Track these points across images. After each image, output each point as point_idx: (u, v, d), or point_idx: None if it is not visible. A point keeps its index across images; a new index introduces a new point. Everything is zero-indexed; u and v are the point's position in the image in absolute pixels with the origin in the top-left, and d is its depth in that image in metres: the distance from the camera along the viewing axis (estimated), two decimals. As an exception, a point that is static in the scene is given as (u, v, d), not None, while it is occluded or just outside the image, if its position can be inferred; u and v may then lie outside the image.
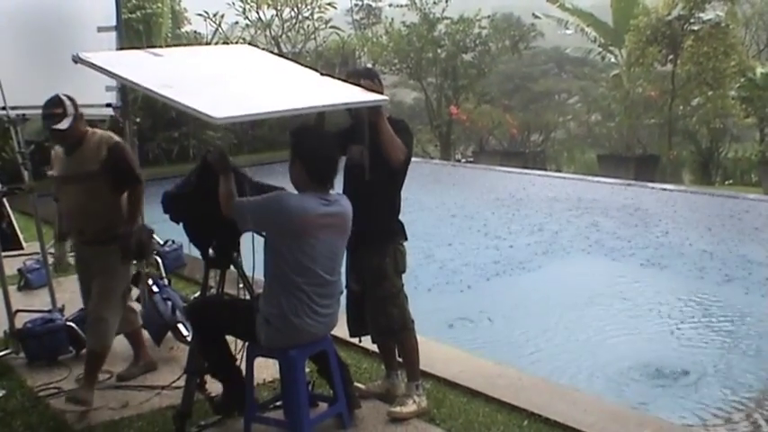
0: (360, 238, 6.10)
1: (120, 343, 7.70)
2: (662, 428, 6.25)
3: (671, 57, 24.86)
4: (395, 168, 6.15)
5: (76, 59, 5.64)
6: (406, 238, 6.47)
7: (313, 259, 5.53)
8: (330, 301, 5.77)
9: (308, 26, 28.63)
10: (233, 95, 5.50)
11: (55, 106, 6.67)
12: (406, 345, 6.49)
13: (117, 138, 7.15)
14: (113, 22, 8.29)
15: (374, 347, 6.91)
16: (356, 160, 6.26)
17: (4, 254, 8.09)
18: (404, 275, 6.47)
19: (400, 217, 6.48)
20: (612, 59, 28.87)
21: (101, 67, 5.60)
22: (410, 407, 6.32)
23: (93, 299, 6.89)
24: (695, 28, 23.79)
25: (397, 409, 6.31)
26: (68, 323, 7.86)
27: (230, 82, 5.88)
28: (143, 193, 7.08)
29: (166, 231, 8.82)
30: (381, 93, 6.20)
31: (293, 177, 5.71)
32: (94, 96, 8.37)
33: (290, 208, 5.47)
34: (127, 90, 8.22)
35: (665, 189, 19.69)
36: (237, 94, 5.53)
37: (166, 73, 5.68)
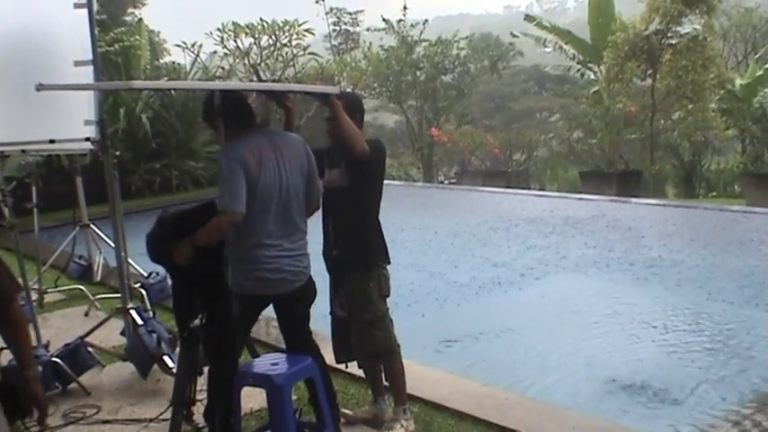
0: (343, 262, 6.11)
1: (107, 376, 7.69)
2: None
3: (650, 71, 24.92)
4: (360, 162, 6.08)
5: (39, 88, 5.64)
6: (389, 262, 6.45)
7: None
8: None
9: (287, 53, 28.62)
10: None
11: None
12: (392, 368, 6.47)
13: None
14: (90, 56, 8.29)
15: (361, 373, 6.90)
16: (335, 183, 6.26)
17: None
18: (389, 299, 6.45)
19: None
20: (592, 76, 28.96)
21: (66, 85, 5.61)
22: (398, 431, 6.30)
23: None
24: (673, 42, 23.87)
25: (385, 435, 6.30)
26: (54, 359, 7.77)
27: None
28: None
29: (151, 263, 8.79)
30: (359, 123, 6.23)
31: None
32: (73, 131, 8.39)
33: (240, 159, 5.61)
34: (105, 123, 8.21)
35: (648, 204, 19.71)
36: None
37: None
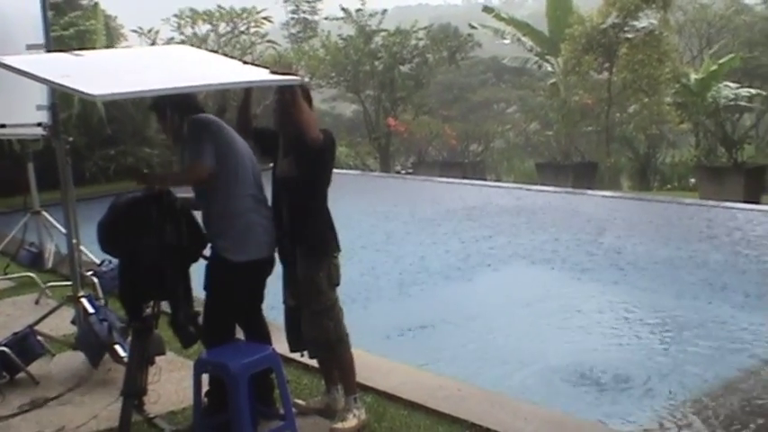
0: (294, 251, 6.11)
1: (56, 365, 7.62)
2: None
3: (606, 65, 25.03)
4: (312, 150, 6.06)
5: None
6: (339, 250, 6.43)
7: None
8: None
9: (245, 41, 28.53)
10: (130, 81, 5.49)
11: None
12: (341, 358, 6.46)
13: None
14: (42, 40, 8.18)
15: (314, 363, 6.87)
16: (285, 173, 6.25)
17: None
18: (339, 288, 6.45)
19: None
20: (549, 68, 29.00)
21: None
22: (351, 421, 6.30)
23: None
24: (629, 36, 23.96)
25: (339, 425, 6.29)
26: (1, 348, 7.65)
27: (141, 71, 5.86)
28: None
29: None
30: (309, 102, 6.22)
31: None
32: (25, 116, 8.29)
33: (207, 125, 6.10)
34: (58, 108, 8.11)
35: (603, 196, 19.82)
36: (135, 80, 5.50)
37: (74, 67, 5.65)
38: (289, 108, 6.00)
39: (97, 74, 5.53)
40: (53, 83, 5.11)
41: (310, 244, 6.26)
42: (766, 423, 7.07)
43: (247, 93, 6.50)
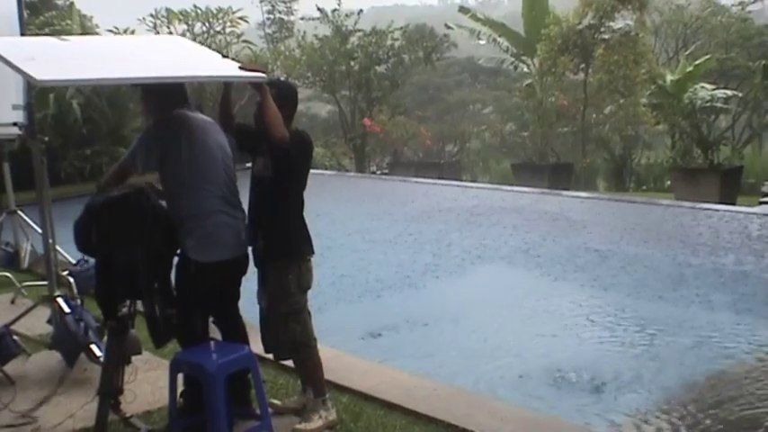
0: (266, 252, 6.12)
1: (32, 365, 7.60)
2: (579, 435, 6.27)
3: (582, 65, 25.16)
4: (280, 150, 6.03)
5: None
6: (311, 253, 6.42)
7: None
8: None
9: (220, 41, 28.39)
10: (89, 67, 5.54)
11: None
12: (308, 362, 6.47)
13: None
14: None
15: (290, 363, 6.86)
16: (260, 172, 6.25)
17: None
18: (310, 291, 6.46)
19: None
20: (525, 69, 29.07)
21: None
22: (315, 422, 6.30)
23: None
24: (606, 37, 24.11)
25: (302, 425, 6.29)
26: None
27: (108, 59, 5.88)
28: None
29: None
30: (289, 114, 6.23)
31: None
32: (1, 116, 8.23)
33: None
34: (33, 108, 8.08)
35: (578, 197, 19.86)
36: (95, 67, 5.56)
37: (46, 50, 5.74)
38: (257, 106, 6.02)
39: (65, 60, 5.55)
40: (6, 60, 5.11)
41: (279, 246, 6.25)
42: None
43: (227, 88, 6.45)
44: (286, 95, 6.31)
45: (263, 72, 6.07)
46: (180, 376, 6.00)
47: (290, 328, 6.29)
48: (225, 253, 6.07)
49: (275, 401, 6.66)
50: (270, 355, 6.78)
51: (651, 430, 7.10)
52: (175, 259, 6.24)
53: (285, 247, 6.26)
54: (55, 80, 5.49)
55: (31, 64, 5.05)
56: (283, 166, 6.16)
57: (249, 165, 6.43)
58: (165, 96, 6.10)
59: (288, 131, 6.10)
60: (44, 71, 4.98)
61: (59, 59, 5.53)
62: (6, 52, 5.30)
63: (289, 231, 6.27)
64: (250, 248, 6.31)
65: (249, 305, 6.53)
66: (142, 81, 6.11)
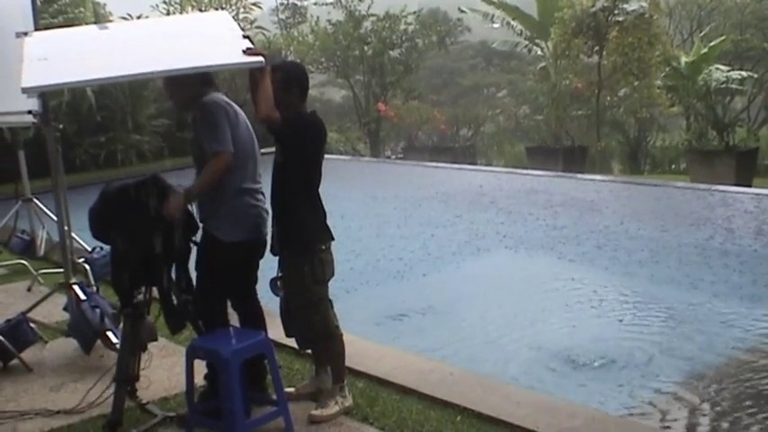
0: (282, 240, 6.09)
1: (49, 352, 7.60)
2: (594, 418, 6.22)
3: (596, 48, 25.00)
4: (277, 132, 5.98)
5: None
6: (330, 240, 6.30)
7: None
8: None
9: (234, 27, 28.38)
10: (96, 66, 5.61)
11: None
12: (330, 351, 6.42)
13: None
14: (32, 28, 8.14)
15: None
16: (277, 159, 6.18)
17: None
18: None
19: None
20: (539, 52, 28.98)
21: None
22: (332, 408, 6.26)
23: None
24: (619, 19, 23.94)
25: (318, 411, 6.25)
26: (-6, 335, 7.68)
27: (126, 53, 5.98)
28: None
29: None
30: (297, 96, 6.21)
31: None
32: (15, 104, 8.25)
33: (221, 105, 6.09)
34: (47, 96, 8.09)
35: (593, 179, 19.80)
36: (102, 66, 5.63)
37: (71, 46, 5.89)
38: (275, 91, 5.96)
39: (77, 58, 5.58)
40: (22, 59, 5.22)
41: (290, 233, 6.16)
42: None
43: (252, 76, 6.02)
44: (292, 78, 6.19)
45: (263, 56, 5.97)
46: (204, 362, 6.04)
47: (309, 321, 6.26)
48: (249, 234, 6.14)
49: (289, 390, 6.60)
50: (288, 340, 6.77)
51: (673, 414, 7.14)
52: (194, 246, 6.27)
53: (297, 236, 6.16)
54: (37, 86, 5.59)
55: (38, 65, 5.09)
56: (291, 150, 6.10)
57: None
58: (197, 82, 6.13)
59: (299, 113, 6.09)
60: (38, 76, 5.04)
61: (72, 58, 5.56)
62: (28, 50, 5.35)
63: (300, 219, 6.15)
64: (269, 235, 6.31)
65: (266, 291, 6.51)
66: (132, 78, 6.17)
